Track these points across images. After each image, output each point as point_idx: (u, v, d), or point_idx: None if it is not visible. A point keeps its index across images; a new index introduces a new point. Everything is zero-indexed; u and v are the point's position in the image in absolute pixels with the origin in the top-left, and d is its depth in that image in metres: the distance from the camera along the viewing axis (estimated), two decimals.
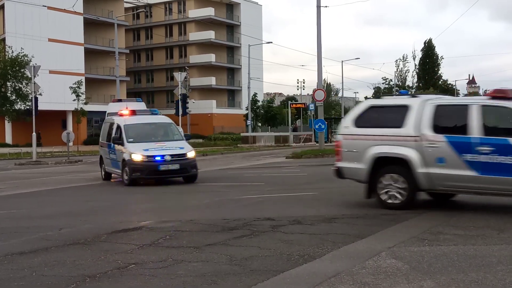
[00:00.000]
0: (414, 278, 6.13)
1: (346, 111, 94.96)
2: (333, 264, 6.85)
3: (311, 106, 56.52)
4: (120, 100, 25.76)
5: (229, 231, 9.13)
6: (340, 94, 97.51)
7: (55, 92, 56.68)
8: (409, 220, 9.76)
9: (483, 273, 6.24)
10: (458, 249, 7.49)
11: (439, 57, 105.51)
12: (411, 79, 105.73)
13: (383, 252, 7.35)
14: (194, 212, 11.78)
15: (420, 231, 8.74)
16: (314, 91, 35.88)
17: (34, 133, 34.32)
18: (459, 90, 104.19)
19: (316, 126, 33.59)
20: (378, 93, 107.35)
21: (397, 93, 14.47)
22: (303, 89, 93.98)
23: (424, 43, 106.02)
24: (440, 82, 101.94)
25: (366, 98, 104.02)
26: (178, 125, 27.57)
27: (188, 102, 45.21)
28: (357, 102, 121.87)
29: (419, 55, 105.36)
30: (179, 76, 42.14)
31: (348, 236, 8.49)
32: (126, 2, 78.61)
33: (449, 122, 10.80)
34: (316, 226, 9.49)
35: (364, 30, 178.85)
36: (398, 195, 10.90)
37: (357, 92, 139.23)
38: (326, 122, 37.22)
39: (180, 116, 39.87)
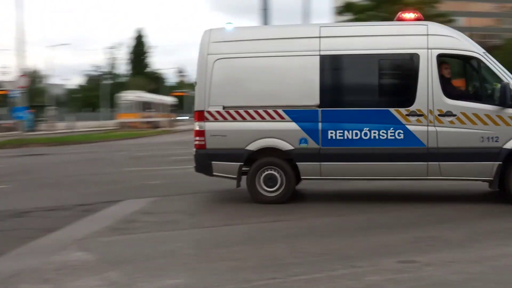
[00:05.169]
0: (100, 269, 5.95)
1: (56, 98, 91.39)
2: (16, 263, 6.37)
3: (15, 94, 53.13)
4: None
5: None
6: (48, 81, 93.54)
7: None
8: (104, 210, 9.55)
9: (166, 259, 6.33)
10: (150, 236, 7.53)
11: (149, 47, 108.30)
12: (124, 67, 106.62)
13: (71, 245, 7.05)
14: None
15: (114, 220, 8.60)
16: (17, 77, 34.12)
17: None
18: (166, 79, 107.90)
19: (19, 114, 31.82)
20: (92, 80, 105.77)
21: None
22: (7, 74, 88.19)
23: (137, 31, 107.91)
24: (147, 70, 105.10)
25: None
26: None
27: None
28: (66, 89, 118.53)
29: (131, 43, 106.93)
30: None
31: (37, 231, 7.98)
32: None
33: None
34: (3, 222, 8.78)
35: (88, 15, 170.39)
36: None
37: (69, 79, 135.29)
38: (30, 110, 35.45)
39: None
